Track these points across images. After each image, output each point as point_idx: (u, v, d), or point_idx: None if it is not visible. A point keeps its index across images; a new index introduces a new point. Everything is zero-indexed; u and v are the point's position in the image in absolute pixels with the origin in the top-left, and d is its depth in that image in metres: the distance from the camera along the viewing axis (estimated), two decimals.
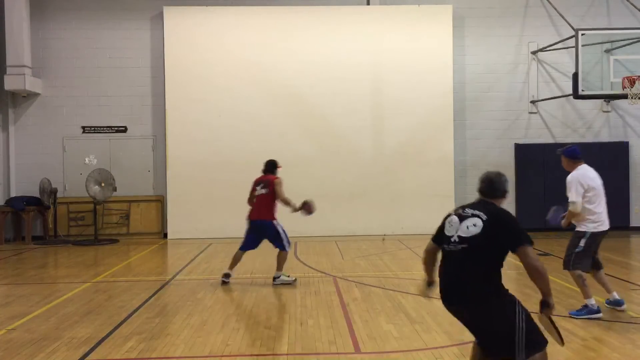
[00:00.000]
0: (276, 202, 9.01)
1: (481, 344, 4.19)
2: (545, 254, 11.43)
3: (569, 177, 6.97)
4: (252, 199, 9.22)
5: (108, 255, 12.45)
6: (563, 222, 7.02)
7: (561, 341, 4.12)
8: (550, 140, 15.76)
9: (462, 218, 4.12)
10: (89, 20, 15.58)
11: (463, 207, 4.22)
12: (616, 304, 7.16)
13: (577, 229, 6.97)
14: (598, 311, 6.79)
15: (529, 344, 3.89)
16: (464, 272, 3.98)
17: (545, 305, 4.03)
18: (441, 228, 4.29)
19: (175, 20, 15.33)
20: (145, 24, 15.60)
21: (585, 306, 6.82)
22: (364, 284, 8.92)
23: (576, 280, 6.96)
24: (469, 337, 6.06)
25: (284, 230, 9.00)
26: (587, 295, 6.86)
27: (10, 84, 14.77)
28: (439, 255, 4.31)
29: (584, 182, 6.86)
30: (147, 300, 8.01)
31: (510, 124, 15.82)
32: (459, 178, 15.29)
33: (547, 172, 14.96)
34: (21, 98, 15.48)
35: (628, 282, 8.96)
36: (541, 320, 4.15)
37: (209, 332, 6.42)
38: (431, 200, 14.86)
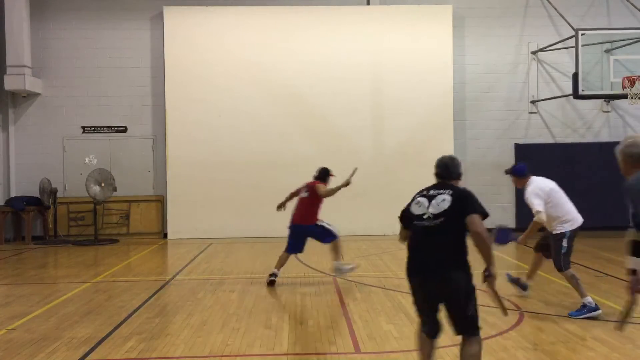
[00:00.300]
0: (319, 206, 9.00)
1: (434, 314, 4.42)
2: None
3: (525, 195, 7.22)
4: (289, 197, 9.27)
5: (108, 255, 12.45)
6: (520, 237, 7.11)
7: (504, 311, 4.51)
8: (550, 140, 15.75)
9: (430, 198, 4.43)
10: (89, 20, 15.58)
11: (428, 189, 4.55)
12: (522, 287, 7.57)
13: (555, 232, 7.06)
14: (597, 308, 6.80)
15: (476, 323, 4.28)
16: (441, 242, 4.25)
17: (488, 275, 4.26)
18: (406, 210, 4.61)
19: (175, 20, 15.33)
20: (145, 24, 15.60)
21: (584, 305, 6.84)
22: (364, 284, 8.92)
23: (570, 280, 7.01)
24: None
25: (328, 224, 9.02)
26: (583, 294, 6.89)
27: (10, 84, 14.77)
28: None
29: (540, 191, 7.08)
30: (147, 300, 8.01)
31: (510, 124, 15.82)
32: None
33: (547, 172, 14.78)
34: (21, 98, 15.48)
35: (628, 282, 8.94)
36: (488, 292, 4.42)
37: (209, 332, 6.42)
38: None
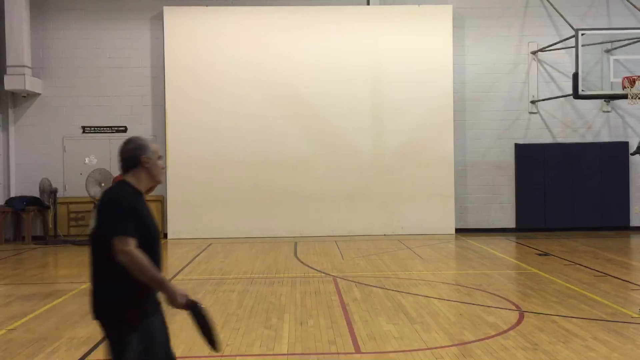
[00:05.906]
0: None
1: None
2: (545, 254, 11.42)
3: None
4: None
5: None
6: None
7: (213, 346, 3.47)
8: (550, 140, 15.74)
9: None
10: (89, 20, 15.57)
11: None
12: None
13: None
14: None
15: None
16: (91, 276, 3.35)
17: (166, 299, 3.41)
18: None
19: (175, 20, 15.32)
20: (145, 24, 15.59)
21: None
22: (364, 284, 8.92)
23: None
24: (468, 337, 6.09)
25: None
26: None
27: (10, 84, 14.76)
28: None
29: None
30: None
31: (510, 124, 15.81)
32: (459, 178, 15.24)
33: (547, 172, 14.94)
34: (21, 98, 15.48)
35: (628, 282, 8.96)
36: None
37: None
38: (431, 200, 14.85)
